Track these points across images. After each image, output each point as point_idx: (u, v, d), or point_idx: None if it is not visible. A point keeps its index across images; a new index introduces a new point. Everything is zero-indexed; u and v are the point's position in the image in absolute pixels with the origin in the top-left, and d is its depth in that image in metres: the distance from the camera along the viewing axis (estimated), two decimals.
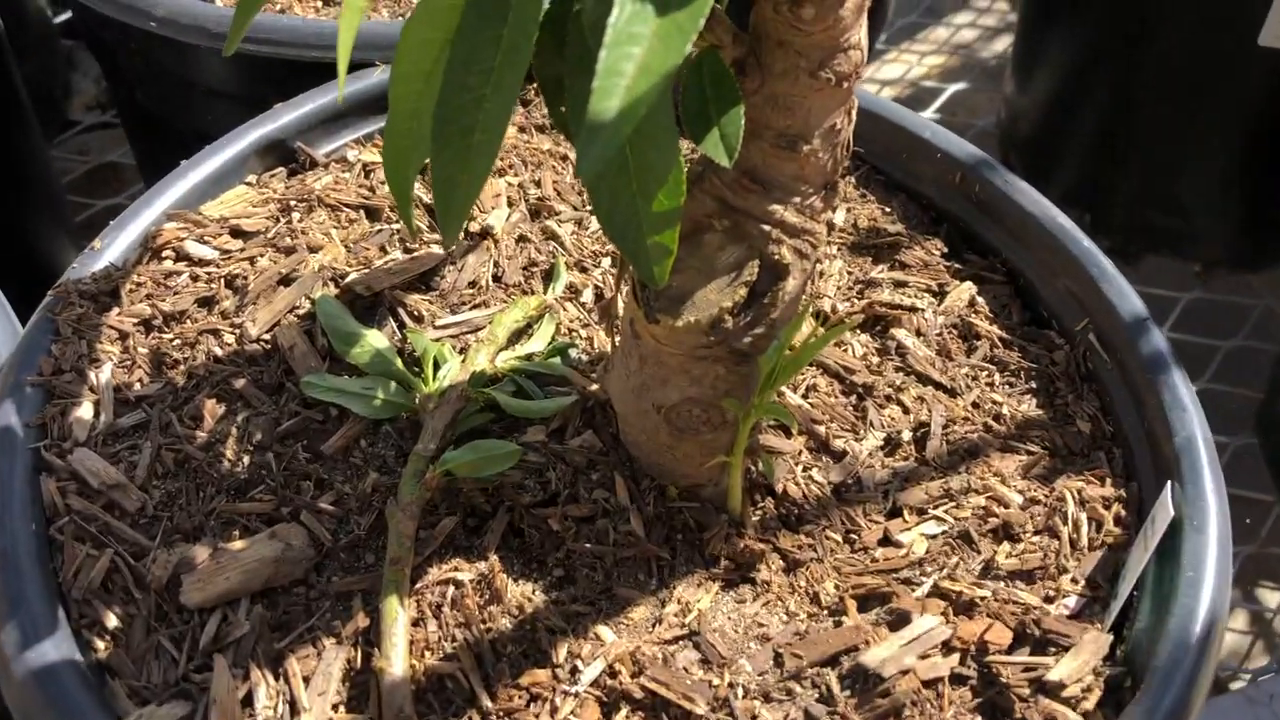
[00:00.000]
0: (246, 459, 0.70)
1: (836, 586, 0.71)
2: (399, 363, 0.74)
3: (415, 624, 0.65)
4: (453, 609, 0.66)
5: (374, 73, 0.92)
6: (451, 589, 0.66)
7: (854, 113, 0.63)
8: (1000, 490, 0.76)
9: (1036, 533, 0.74)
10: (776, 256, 0.64)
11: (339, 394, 0.72)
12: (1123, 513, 0.74)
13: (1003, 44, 2.11)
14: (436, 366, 0.75)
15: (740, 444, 0.69)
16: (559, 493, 0.71)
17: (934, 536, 0.74)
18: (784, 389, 0.82)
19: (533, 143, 0.92)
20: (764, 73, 0.60)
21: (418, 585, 0.66)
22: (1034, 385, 0.84)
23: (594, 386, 0.76)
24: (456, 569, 0.67)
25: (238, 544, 0.66)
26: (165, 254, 0.78)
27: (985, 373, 0.84)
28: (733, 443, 0.70)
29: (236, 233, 0.80)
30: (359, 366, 0.74)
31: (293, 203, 0.82)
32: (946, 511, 0.75)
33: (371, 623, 0.64)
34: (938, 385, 0.83)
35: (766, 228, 0.63)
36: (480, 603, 0.66)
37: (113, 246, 0.78)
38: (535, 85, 0.97)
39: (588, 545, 0.69)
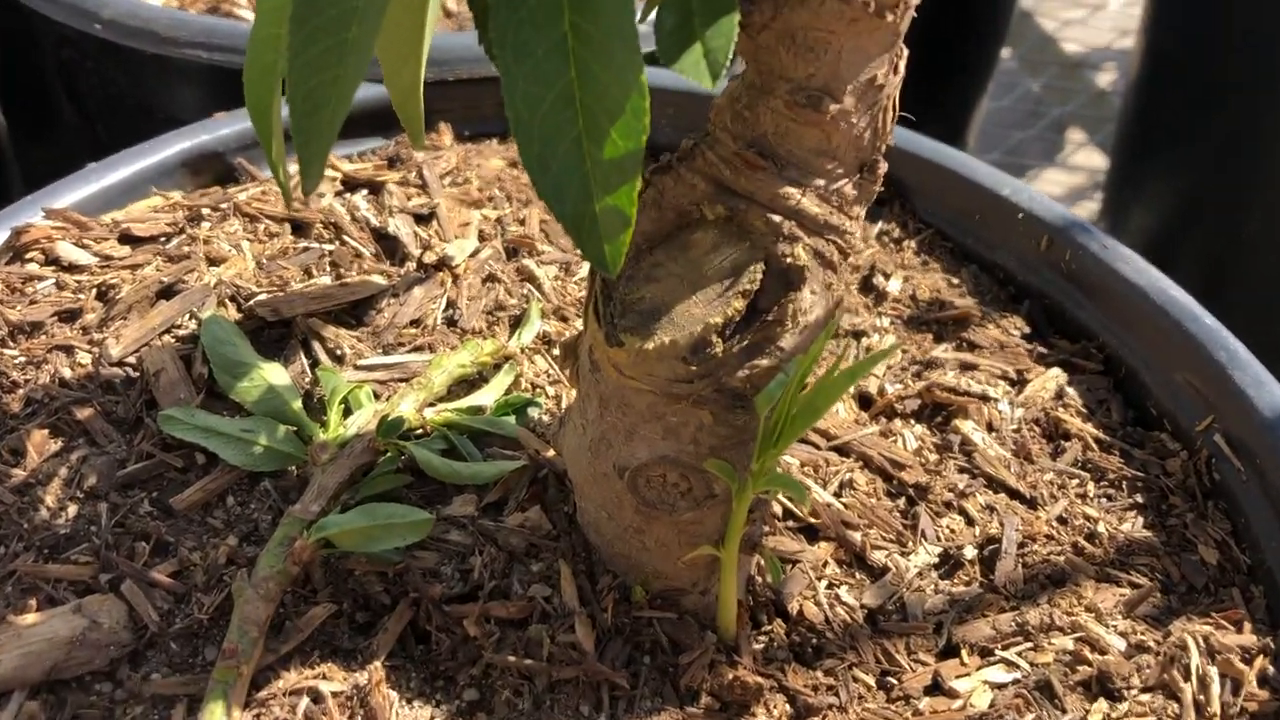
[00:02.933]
0: (71, 509, 0.52)
1: None
2: (296, 404, 0.57)
3: None
4: None
5: None
6: (306, 703, 0.47)
7: (902, 65, 0.45)
8: (1094, 631, 0.56)
9: (1146, 690, 0.54)
10: (788, 259, 0.46)
11: (208, 435, 0.54)
12: (1270, 669, 0.53)
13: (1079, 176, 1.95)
14: (348, 412, 0.57)
15: (735, 530, 0.50)
16: (483, 584, 0.52)
17: (1003, 686, 0.54)
18: (808, 480, 0.63)
19: (523, 179, 0.76)
20: None
21: (261, 693, 0.47)
22: (1139, 499, 0.64)
23: (550, 453, 0.58)
24: (323, 676, 0.48)
25: (29, 616, 0.48)
26: (31, 256, 0.62)
27: (1076, 481, 0.65)
28: (724, 527, 0.51)
29: (126, 238, 0.64)
30: (244, 405, 0.57)
31: (205, 210, 0.66)
32: (1021, 654, 0.56)
33: None
34: (1013, 493, 0.64)
35: (776, 219, 0.46)
36: None
37: None
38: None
39: (513, 659, 0.50)
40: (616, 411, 0.49)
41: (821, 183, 0.46)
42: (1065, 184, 1.97)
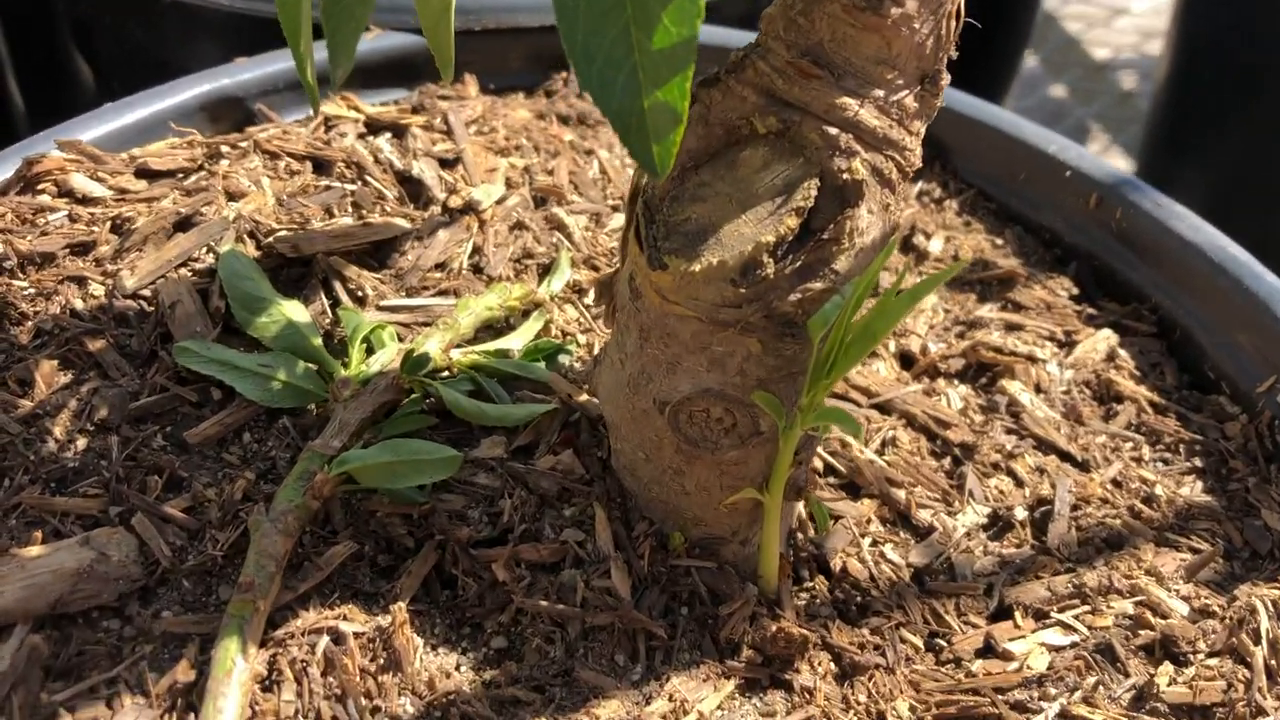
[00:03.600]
0: (80, 441, 0.50)
1: (913, 708, 0.48)
2: (316, 341, 0.54)
3: (264, 686, 0.43)
4: (325, 673, 0.43)
5: (367, 36, 0.75)
6: (326, 642, 0.44)
7: None
8: (1156, 594, 0.53)
9: (1213, 654, 0.50)
10: (845, 174, 0.43)
11: (224, 369, 0.52)
12: None
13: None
14: (370, 351, 0.54)
15: (780, 472, 0.47)
16: (513, 528, 0.49)
17: (1060, 649, 0.51)
18: (849, 438, 0.60)
19: (551, 130, 0.73)
20: None
21: (279, 631, 0.44)
22: (1198, 463, 0.61)
23: (583, 397, 0.55)
24: (344, 617, 0.45)
25: (33, 549, 0.45)
26: (43, 187, 0.59)
27: (1130, 444, 0.62)
28: (769, 470, 0.48)
29: (143, 172, 0.61)
30: (263, 341, 0.54)
31: (224, 148, 0.64)
32: (1078, 617, 0.53)
33: (200, 677, 0.42)
34: (1064, 455, 0.61)
35: (833, 131, 0.43)
36: (369, 669, 0.44)
37: None
38: (564, 75, 0.80)
39: (544, 604, 0.47)
40: (658, 343, 0.46)
41: (881, 94, 0.43)
42: None
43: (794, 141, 0.44)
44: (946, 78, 0.44)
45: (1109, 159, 1.99)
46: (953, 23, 0.43)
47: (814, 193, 0.43)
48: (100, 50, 0.91)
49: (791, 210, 0.43)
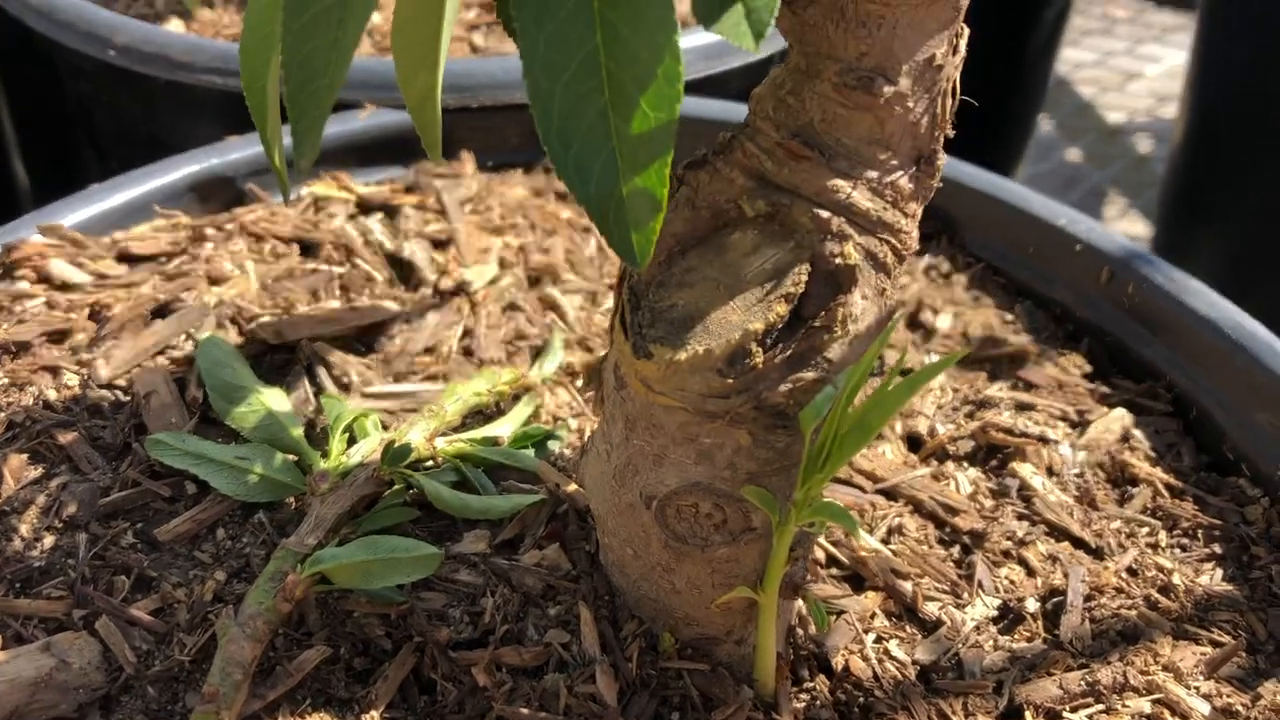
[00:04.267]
0: (48, 539, 0.48)
1: None
2: (296, 431, 0.52)
3: None
4: None
5: (360, 115, 0.74)
6: None
7: (963, 44, 0.41)
8: (1175, 692, 0.50)
9: None
10: (837, 259, 0.41)
11: (199, 462, 0.50)
12: None
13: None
14: (352, 441, 0.53)
15: (775, 569, 0.45)
16: (494, 629, 0.47)
17: None
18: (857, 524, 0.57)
19: (548, 207, 0.72)
20: None
21: None
22: (1217, 549, 0.58)
23: (572, 487, 0.53)
24: None
25: None
26: (22, 273, 0.58)
27: (1146, 529, 0.59)
28: (763, 566, 0.46)
29: (124, 256, 0.60)
30: (241, 431, 0.52)
31: (209, 230, 0.62)
32: (1092, 716, 0.50)
33: None
34: (1077, 541, 0.58)
35: (824, 214, 0.41)
36: None
37: None
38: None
39: (526, 712, 0.44)
40: (644, 433, 0.44)
41: (874, 175, 0.41)
42: None
43: (784, 225, 0.42)
44: (943, 157, 0.43)
45: (1126, 224, 1.97)
46: (949, 100, 0.42)
47: (805, 278, 0.41)
48: (99, 127, 0.90)
49: (781, 297, 0.41)
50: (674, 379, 0.42)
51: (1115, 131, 2.21)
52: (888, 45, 0.40)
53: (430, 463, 0.53)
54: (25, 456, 0.50)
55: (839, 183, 0.41)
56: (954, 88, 0.42)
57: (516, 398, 0.58)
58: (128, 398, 0.53)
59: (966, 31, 0.41)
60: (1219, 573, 0.57)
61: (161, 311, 0.56)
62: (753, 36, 0.36)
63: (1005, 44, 1.63)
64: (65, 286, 0.58)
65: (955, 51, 0.41)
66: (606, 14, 0.35)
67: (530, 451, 0.55)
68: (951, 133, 0.43)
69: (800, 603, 0.52)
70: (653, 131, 0.35)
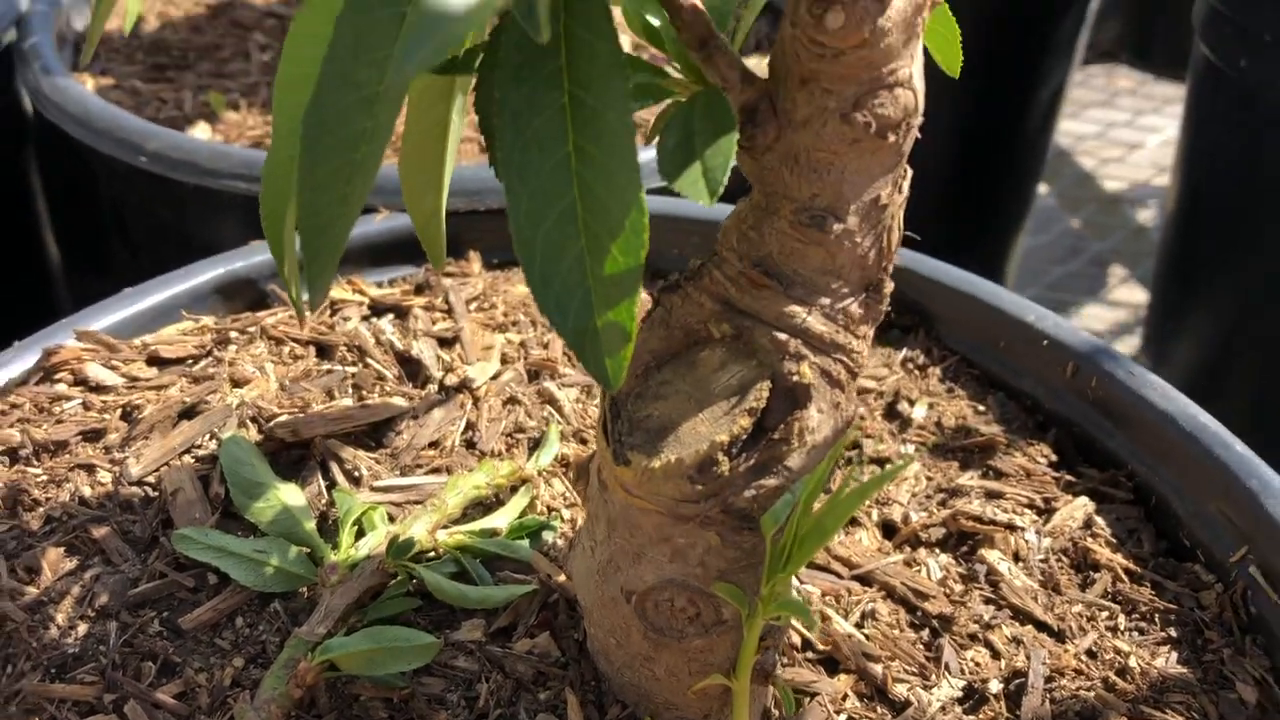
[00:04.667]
0: (81, 627, 0.52)
1: None
2: (309, 525, 0.57)
3: None
4: None
5: (375, 219, 0.79)
6: None
7: (905, 185, 0.46)
8: None
9: None
10: (794, 376, 0.46)
11: (220, 555, 0.54)
12: None
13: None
14: (361, 534, 0.57)
15: (746, 658, 0.49)
16: (488, 713, 0.51)
17: None
18: (828, 610, 0.61)
19: None
20: (781, 121, 0.44)
21: None
22: (1173, 633, 0.62)
23: (562, 577, 0.57)
24: None
25: None
26: (60, 376, 0.63)
27: (1106, 613, 0.63)
28: (734, 656, 0.50)
29: (154, 360, 0.65)
30: (259, 525, 0.57)
31: (233, 334, 0.68)
32: None
33: None
34: (1040, 625, 0.62)
35: (782, 337, 0.46)
36: None
37: (7, 366, 0.64)
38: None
39: None
40: (624, 533, 0.49)
41: (827, 301, 0.46)
42: (1108, 319, 1.96)
43: (748, 345, 0.47)
44: (889, 285, 0.47)
45: (1126, 292, 2.01)
46: (893, 235, 0.46)
47: (766, 394, 0.46)
48: (131, 225, 0.96)
49: (745, 410, 0.46)
50: (649, 484, 0.46)
51: (1116, 201, 2.26)
52: (837, 188, 0.44)
53: (432, 554, 0.57)
54: (62, 549, 0.55)
55: (795, 309, 0.46)
56: (898, 223, 0.46)
57: (514, 489, 0.63)
58: (156, 494, 0.58)
59: (909, 173, 0.46)
60: (1174, 655, 0.61)
61: (188, 413, 0.61)
62: (708, 193, 0.41)
63: (1003, 120, 1.68)
64: (100, 388, 0.63)
65: (899, 191, 0.46)
66: (582, 173, 0.40)
67: (526, 542, 0.59)
68: (899, 262, 0.47)
69: (773, 688, 0.56)
70: (623, 274, 0.40)
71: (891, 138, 0.44)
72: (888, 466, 0.71)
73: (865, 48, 0.41)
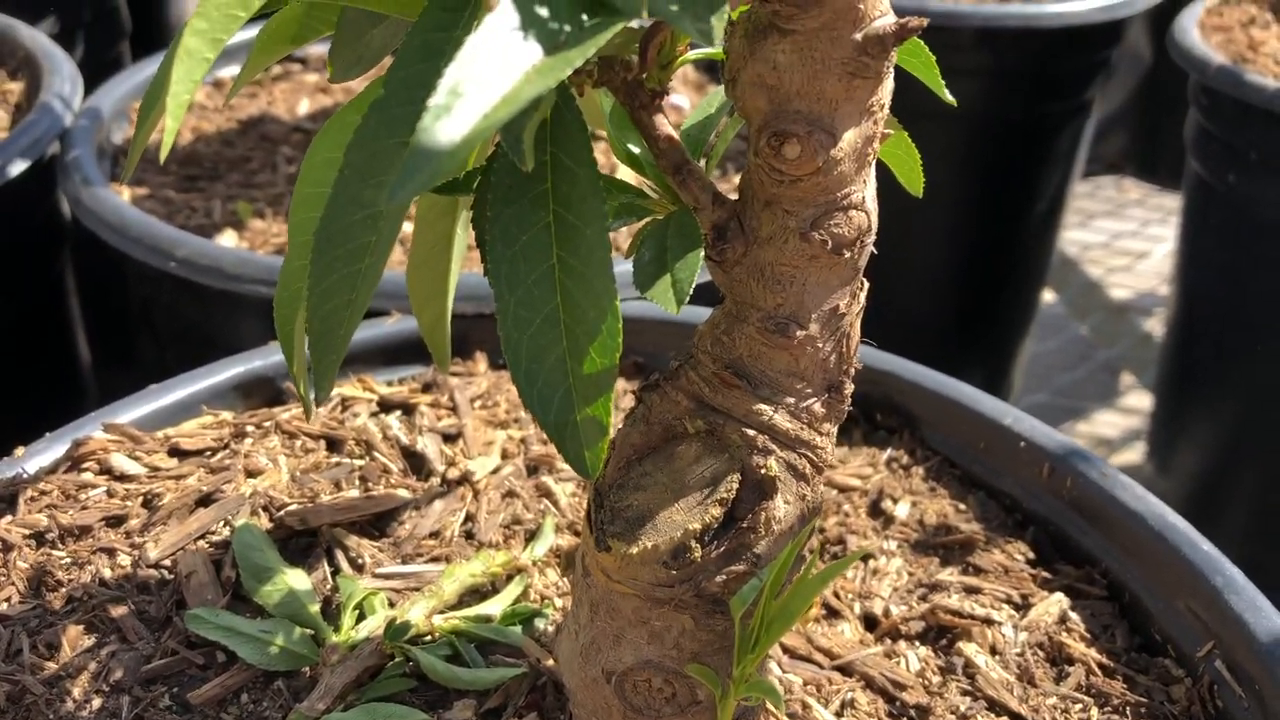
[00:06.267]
0: (96, 701, 0.56)
1: None
2: (313, 608, 0.60)
3: None
4: None
5: (387, 321, 0.84)
6: None
7: (863, 295, 0.50)
8: None
9: None
10: (762, 470, 0.49)
11: (229, 634, 0.58)
12: None
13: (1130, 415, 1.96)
14: (361, 617, 0.60)
15: None
16: None
17: None
18: (809, 699, 0.64)
19: None
20: (749, 238, 0.48)
21: None
22: None
23: (550, 662, 0.60)
24: None
25: None
26: (87, 465, 0.67)
27: (1080, 706, 0.65)
28: None
29: (175, 451, 0.69)
30: (266, 607, 0.60)
31: (249, 428, 0.72)
32: None
33: None
34: (1015, 716, 0.64)
35: (751, 433, 0.50)
36: None
37: (38, 456, 0.68)
38: None
39: None
40: (605, 616, 0.52)
41: (792, 401, 0.50)
42: (1119, 425, 1.98)
43: (720, 440, 0.51)
44: (850, 387, 0.51)
45: (1134, 399, 2.04)
46: (852, 341, 0.50)
47: (736, 486, 0.50)
48: (159, 324, 1.01)
49: (716, 501, 0.49)
50: (628, 569, 0.50)
51: (1123, 310, 2.30)
52: (799, 298, 0.49)
53: (428, 637, 0.60)
54: (81, 627, 0.59)
55: (763, 407, 0.50)
56: (856, 330, 0.50)
57: (510, 578, 0.66)
58: (172, 576, 0.61)
59: (866, 285, 0.50)
60: None
61: (205, 501, 0.65)
62: (676, 302, 0.45)
63: (1005, 229, 1.73)
64: (124, 477, 0.67)
65: (856, 301, 0.50)
66: (564, 282, 0.44)
67: (518, 628, 0.62)
68: (856, 369, 0.51)
69: None
70: (599, 373, 0.44)
71: (847, 254, 0.48)
72: (875, 566, 0.74)
73: (819, 175, 0.46)
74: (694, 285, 0.44)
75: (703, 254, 0.45)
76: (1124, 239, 2.55)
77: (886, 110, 0.47)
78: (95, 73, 1.24)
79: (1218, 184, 1.40)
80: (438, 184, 0.52)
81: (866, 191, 0.48)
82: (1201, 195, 1.47)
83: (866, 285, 0.50)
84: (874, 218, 0.48)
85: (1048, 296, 2.27)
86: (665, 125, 0.48)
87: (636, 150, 0.52)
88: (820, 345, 0.49)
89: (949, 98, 0.54)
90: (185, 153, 1.20)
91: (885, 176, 0.51)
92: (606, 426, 0.45)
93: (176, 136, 1.22)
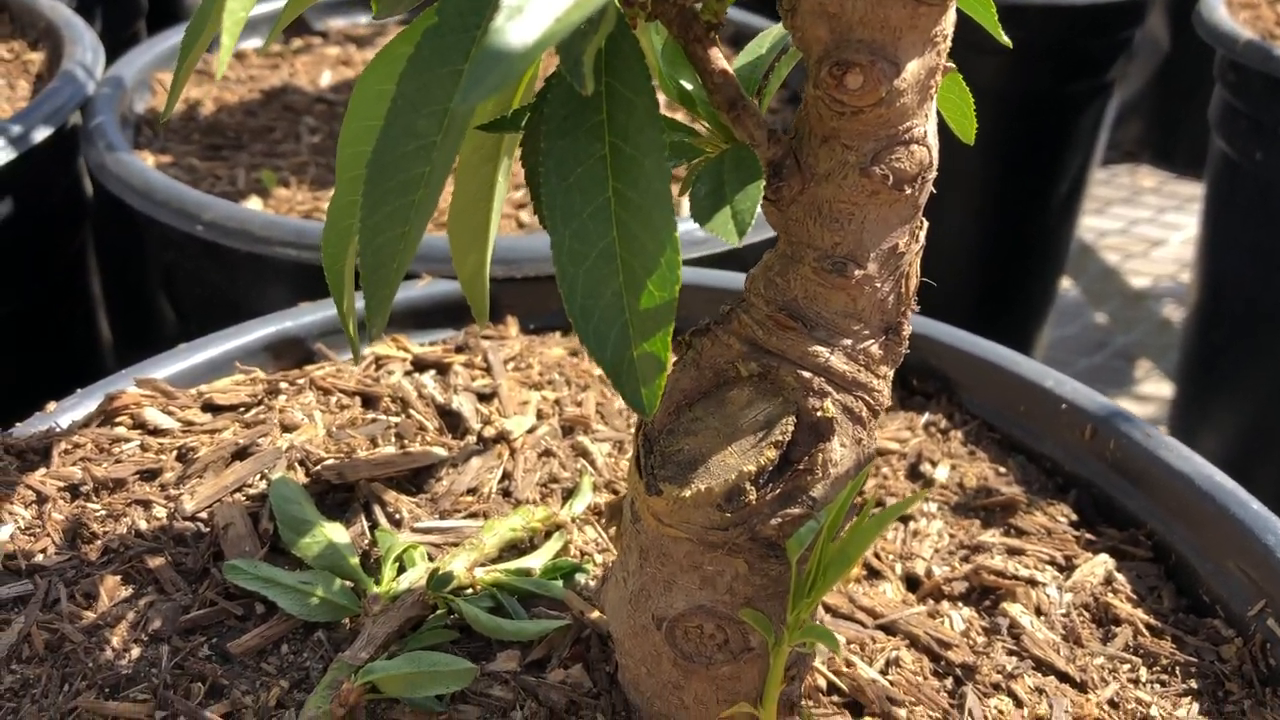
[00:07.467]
0: (135, 650, 0.55)
1: None
2: (353, 560, 0.59)
3: None
4: None
5: (418, 284, 0.83)
6: None
7: (922, 235, 0.49)
8: None
9: None
10: (818, 412, 0.48)
11: (268, 585, 0.57)
12: None
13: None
14: (402, 570, 0.59)
15: (772, 686, 0.51)
16: None
17: None
18: (854, 658, 0.63)
19: (582, 365, 0.80)
20: (805, 175, 0.47)
21: None
22: (1195, 685, 0.63)
23: (595, 614, 0.59)
24: None
25: None
26: (120, 420, 0.66)
27: (1128, 666, 0.64)
28: (761, 685, 0.51)
29: (208, 406, 0.68)
30: (305, 560, 0.59)
31: (283, 385, 0.71)
32: None
33: None
34: (1062, 675, 0.63)
35: (806, 375, 0.48)
36: None
37: (70, 411, 0.67)
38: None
39: None
40: (656, 562, 0.51)
41: (849, 342, 0.49)
42: (1139, 413, 1.96)
43: (774, 384, 0.50)
44: (908, 328, 0.50)
45: (1151, 386, 2.03)
46: (911, 281, 0.49)
47: (791, 428, 0.49)
48: (182, 291, 1.00)
49: (771, 443, 0.48)
50: (680, 513, 0.49)
51: (1140, 296, 2.28)
52: (858, 237, 0.48)
53: (470, 590, 0.59)
54: (119, 578, 0.58)
55: (819, 349, 0.49)
56: (915, 270, 0.49)
57: (549, 534, 0.65)
58: (208, 529, 0.61)
59: (925, 224, 0.49)
60: (1195, 707, 0.62)
61: (240, 454, 0.64)
62: (737, 233, 0.44)
63: (1025, 213, 1.72)
64: (157, 431, 0.66)
65: (915, 240, 0.49)
66: (620, 215, 0.43)
67: (559, 582, 0.61)
68: (916, 308, 0.50)
69: None
70: (658, 307, 0.43)
71: (908, 190, 0.47)
72: (915, 529, 0.73)
73: (882, 106, 0.45)
74: (754, 215, 0.43)
75: (763, 185, 0.44)
76: (1141, 226, 2.54)
77: (949, 41, 0.46)
78: (112, 50, 1.23)
79: (1245, 161, 1.39)
80: (497, 104, 0.51)
81: (929, 126, 0.47)
82: (1227, 174, 1.46)
83: (926, 224, 0.49)
84: (935, 153, 0.47)
85: (1065, 283, 2.26)
86: (720, 59, 0.47)
87: (689, 87, 0.50)
88: (878, 285, 0.48)
89: (1004, 38, 0.53)
90: (209, 122, 1.19)
91: None
92: (665, 363, 0.43)
93: (199, 106, 1.21)
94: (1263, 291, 1.42)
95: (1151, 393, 2.01)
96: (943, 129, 0.51)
